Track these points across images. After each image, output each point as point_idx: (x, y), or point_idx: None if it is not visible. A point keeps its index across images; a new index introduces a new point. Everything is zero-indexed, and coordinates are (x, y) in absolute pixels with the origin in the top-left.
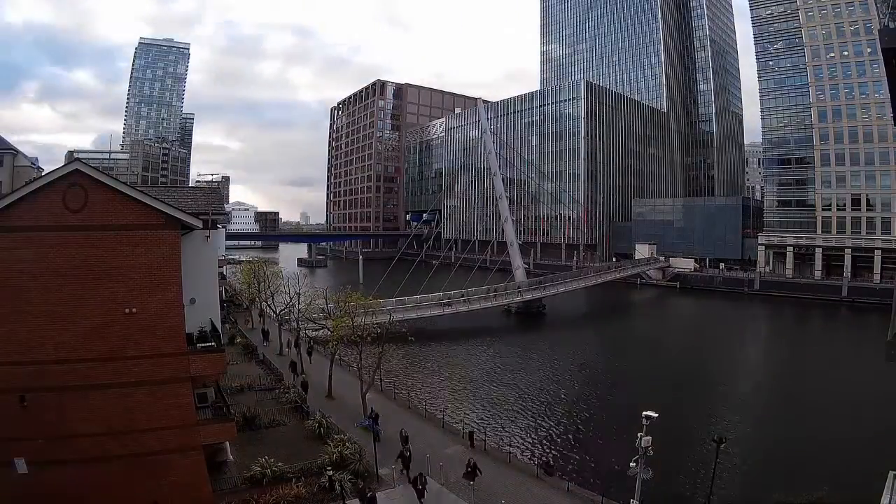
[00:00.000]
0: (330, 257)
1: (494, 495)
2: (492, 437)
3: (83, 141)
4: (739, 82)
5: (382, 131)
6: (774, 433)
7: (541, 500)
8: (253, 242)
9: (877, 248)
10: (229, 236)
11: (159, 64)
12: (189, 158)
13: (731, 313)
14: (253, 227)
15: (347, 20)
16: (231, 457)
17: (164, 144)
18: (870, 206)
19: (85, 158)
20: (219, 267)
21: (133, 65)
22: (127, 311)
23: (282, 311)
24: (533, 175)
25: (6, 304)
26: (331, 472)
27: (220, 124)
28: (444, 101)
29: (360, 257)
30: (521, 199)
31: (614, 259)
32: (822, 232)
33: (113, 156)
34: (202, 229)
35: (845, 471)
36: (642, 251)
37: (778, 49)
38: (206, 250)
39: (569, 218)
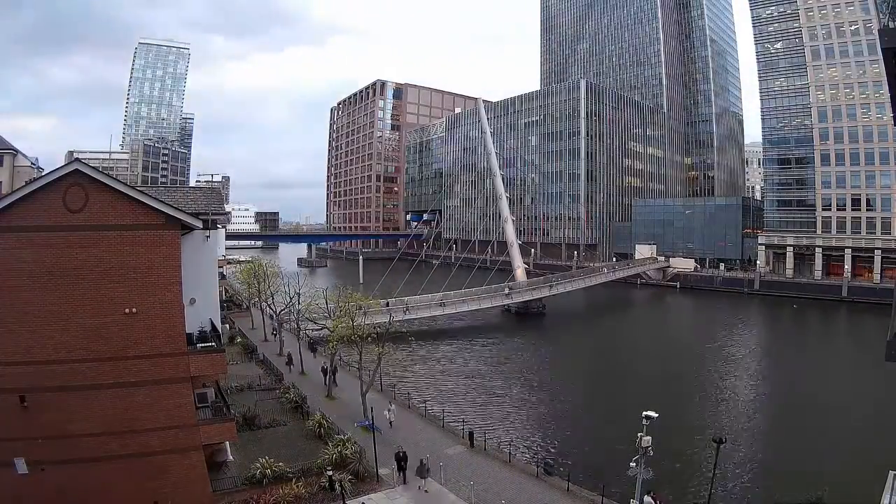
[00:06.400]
0: (330, 257)
1: (494, 495)
2: (492, 437)
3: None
4: (739, 82)
5: (382, 131)
6: (774, 433)
7: (541, 500)
8: (253, 242)
9: (877, 248)
10: (229, 236)
11: (159, 64)
12: (189, 158)
13: (730, 313)
14: (253, 227)
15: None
16: (231, 457)
17: (164, 144)
18: (870, 206)
19: (85, 158)
20: (219, 267)
21: (133, 65)
22: (127, 311)
23: (281, 311)
24: (533, 175)
25: (6, 304)
26: (331, 473)
27: None
28: (444, 101)
29: (360, 257)
30: (521, 199)
31: (614, 259)
32: (822, 232)
33: (113, 156)
34: (202, 229)
35: (845, 471)
36: (642, 251)
37: (778, 49)
38: (206, 250)
39: (569, 218)
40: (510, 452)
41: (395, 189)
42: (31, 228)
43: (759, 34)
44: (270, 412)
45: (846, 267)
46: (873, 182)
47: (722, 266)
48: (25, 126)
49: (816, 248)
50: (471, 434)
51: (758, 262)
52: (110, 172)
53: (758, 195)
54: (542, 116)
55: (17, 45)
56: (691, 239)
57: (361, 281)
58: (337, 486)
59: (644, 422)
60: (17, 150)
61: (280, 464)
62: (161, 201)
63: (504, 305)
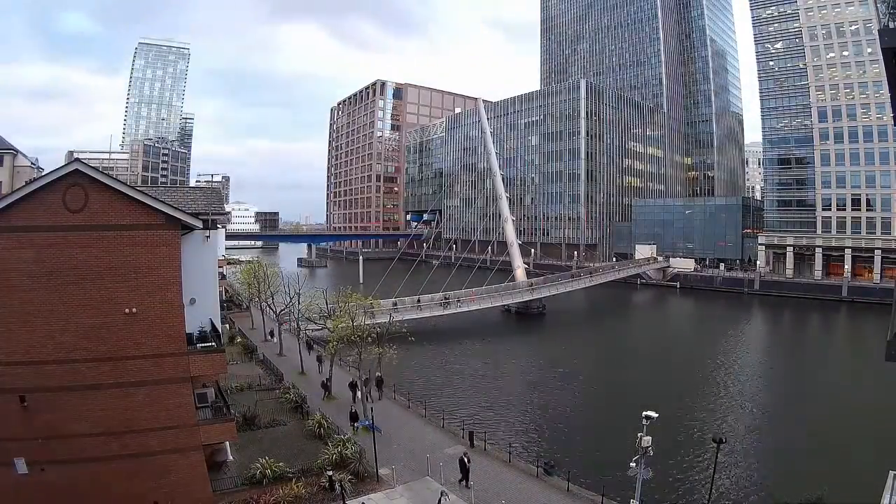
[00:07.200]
0: (330, 257)
1: (494, 495)
2: (492, 437)
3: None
4: (739, 82)
5: (382, 131)
6: (774, 433)
7: (541, 500)
8: (253, 242)
9: (877, 248)
10: (229, 236)
11: (159, 64)
12: (189, 158)
13: (730, 313)
14: (253, 227)
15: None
16: (231, 457)
17: (164, 144)
18: (870, 206)
19: (85, 158)
20: (219, 267)
21: (133, 65)
22: (127, 311)
23: (281, 311)
24: (533, 175)
25: (6, 304)
26: (331, 473)
27: None
28: (444, 101)
29: (360, 257)
30: (521, 199)
31: (614, 259)
32: (822, 232)
33: (113, 156)
34: (202, 229)
35: (845, 471)
36: (642, 251)
37: (778, 49)
38: (206, 250)
39: (569, 218)
40: (510, 452)
41: (395, 189)
42: (31, 228)
43: (759, 34)
44: (270, 412)
45: (846, 267)
46: (873, 182)
47: (722, 266)
48: None
49: (816, 248)
50: (471, 434)
51: (758, 262)
52: (110, 172)
53: (758, 195)
54: (542, 116)
55: None
56: (691, 239)
57: (361, 281)
58: (337, 486)
59: (644, 422)
60: (17, 150)
61: (280, 464)
62: (161, 201)
63: (504, 305)
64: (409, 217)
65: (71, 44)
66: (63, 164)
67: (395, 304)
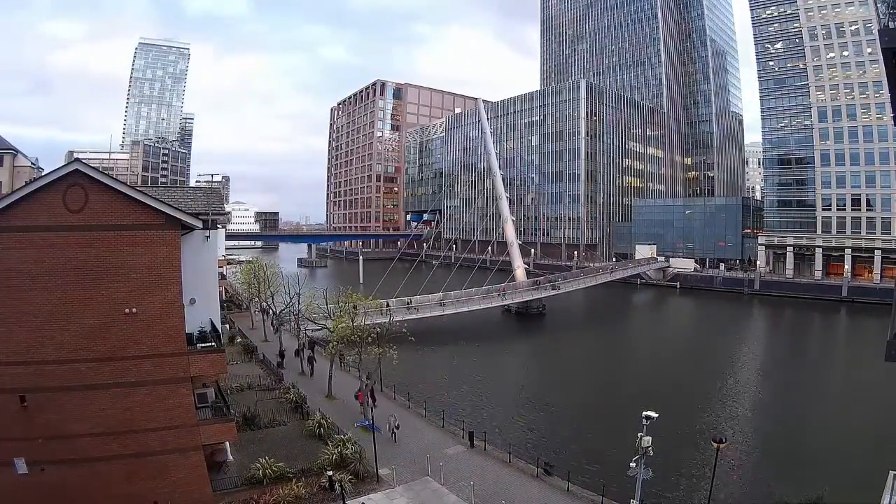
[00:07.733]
0: (330, 257)
1: (494, 495)
2: (492, 437)
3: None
4: (739, 82)
5: (382, 131)
6: (774, 433)
7: (541, 500)
8: (253, 242)
9: (877, 248)
10: (229, 236)
11: (159, 64)
12: (189, 158)
13: (731, 314)
14: (253, 227)
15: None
16: (231, 457)
17: (164, 144)
18: (870, 206)
19: (85, 158)
20: (219, 267)
21: (133, 65)
22: (127, 311)
23: (281, 311)
24: (533, 175)
25: (6, 304)
26: (331, 473)
27: None
28: (444, 101)
29: (360, 257)
30: (521, 199)
31: (614, 259)
32: (822, 232)
33: (113, 156)
34: (202, 229)
35: (845, 471)
36: (642, 251)
37: (778, 49)
38: (206, 250)
39: (569, 218)
40: (510, 452)
41: (395, 189)
42: (31, 228)
43: (759, 34)
44: (270, 412)
45: (846, 267)
46: (873, 182)
47: (722, 266)
48: None
49: (816, 248)
50: (471, 434)
51: (758, 262)
52: (110, 172)
53: (758, 195)
54: (542, 116)
55: None
56: (691, 239)
57: (361, 281)
58: (337, 486)
59: (644, 422)
60: (17, 150)
61: (280, 464)
62: (161, 201)
63: (504, 305)
64: (409, 217)
65: (194, 26)
66: (63, 163)
67: (388, 304)
